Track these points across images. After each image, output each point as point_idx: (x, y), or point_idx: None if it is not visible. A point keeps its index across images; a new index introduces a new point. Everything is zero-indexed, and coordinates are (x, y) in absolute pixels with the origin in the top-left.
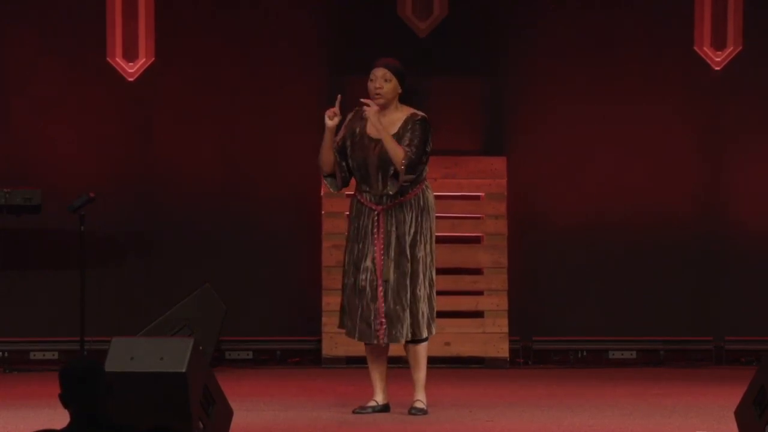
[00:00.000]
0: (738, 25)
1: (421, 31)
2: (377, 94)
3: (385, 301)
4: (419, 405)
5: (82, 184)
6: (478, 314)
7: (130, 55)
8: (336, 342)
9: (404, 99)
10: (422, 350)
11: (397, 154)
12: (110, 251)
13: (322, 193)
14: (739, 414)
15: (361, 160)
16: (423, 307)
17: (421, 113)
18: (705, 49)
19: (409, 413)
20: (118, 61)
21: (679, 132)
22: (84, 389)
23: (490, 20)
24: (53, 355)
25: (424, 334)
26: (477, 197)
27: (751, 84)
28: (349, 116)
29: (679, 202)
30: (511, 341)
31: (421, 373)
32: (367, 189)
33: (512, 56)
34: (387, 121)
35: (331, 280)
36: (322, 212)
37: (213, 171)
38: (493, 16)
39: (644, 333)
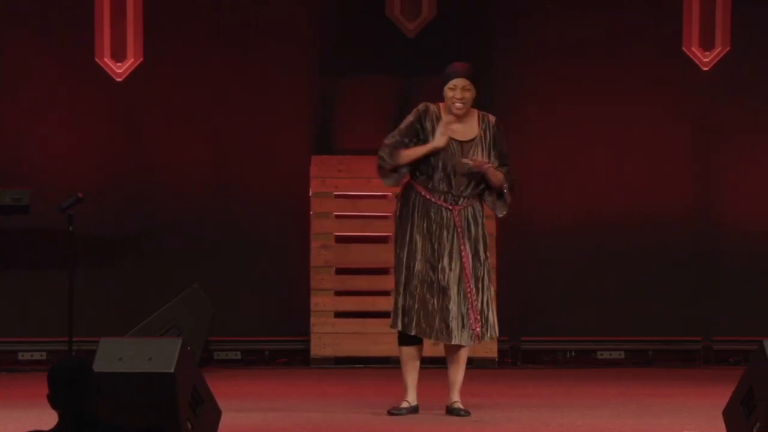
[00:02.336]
0: (726, 26)
1: (409, 31)
2: (459, 104)
3: (479, 300)
4: (459, 405)
5: (71, 185)
6: None
7: (119, 55)
8: (324, 342)
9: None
10: (464, 352)
11: (500, 180)
12: (99, 251)
13: (310, 194)
14: (728, 414)
15: (448, 163)
16: (491, 310)
17: (492, 117)
18: (693, 49)
19: (456, 414)
20: (107, 62)
21: (667, 132)
22: (72, 390)
23: (479, 21)
24: (41, 355)
25: (492, 337)
26: None
27: (739, 84)
28: (421, 112)
29: (669, 202)
30: (499, 341)
31: (459, 375)
32: (446, 189)
33: (501, 57)
34: (465, 127)
35: (320, 281)
36: (311, 213)
37: (202, 171)
38: (482, 16)
39: (633, 333)
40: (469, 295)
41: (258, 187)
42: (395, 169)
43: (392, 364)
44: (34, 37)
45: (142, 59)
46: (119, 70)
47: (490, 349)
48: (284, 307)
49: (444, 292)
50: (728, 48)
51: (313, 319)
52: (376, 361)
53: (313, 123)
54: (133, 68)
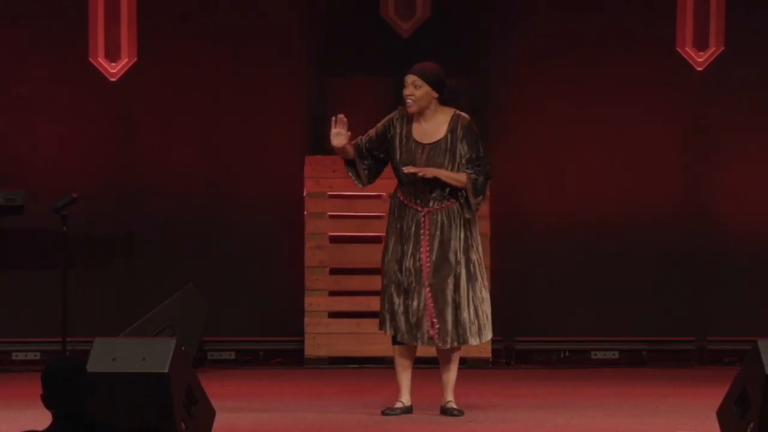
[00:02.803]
0: (720, 26)
1: (404, 31)
2: (409, 101)
3: (435, 303)
4: (453, 405)
5: (65, 185)
6: None
7: (113, 55)
8: (318, 342)
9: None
10: (455, 353)
11: (461, 182)
12: (93, 251)
13: (305, 194)
14: (722, 414)
15: (408, 164)
16: (473, 313)
17: (465, 115)
18: (687, 49)
19: (449, 414)
20: (101, 62)
21: (661, 132)
22: (66, 390)
23: (473, 21)
24: (35, 355)
25: (472, 342)
26: None
27: (733, 84)
28: (394, 115)
29: (662, 202)
30: (493, 341)
31: (452, 375)
32: (413, 191)
33: (495, 57)
34: (430, 126)
35: (314, 281)
36: (305, 213)
37: (196, 171)
38: (476, 17)
39: (627, 333)
40: (426, 297)
41: (252, 187)
42: (349, 162)
43: (386, 364)
44: (28, 36)
45: (136, 59)
46: (113, 70)
47: (484, 349)
48: (278, 307)
49: (407, 293)
50: (722, 48)
51: (307, 320)
52: (371, 361)
53: (307, 123)
54: (127, 68)
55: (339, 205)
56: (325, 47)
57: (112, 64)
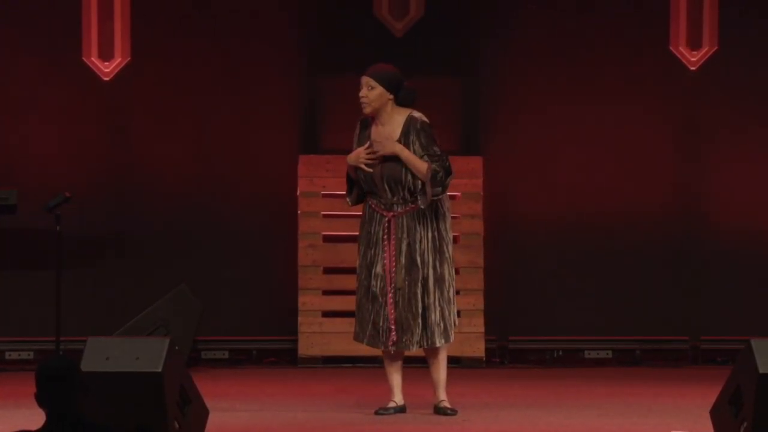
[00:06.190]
0: (713, 25)
1: (397, 31)
2: (363, 102)
3: (396, 308)
4: (446, 404)
5: (59, 184)
6: None
7: (106, 54)
8: (312, 342)
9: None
10: (441, 351)
11: (420, 170)
12: (86, 251)
13: (298, 193)
14: (715, 413)
15: (371, 170)
16: (439, 315)
17: (418, 115)
18: (681, 49)
19: (443, 414)
20: (94, 61)
21: (655, 132)
22: (60, 389)
23: (466, 20)
24: (29, 354)
25: (438, 344)
26: (453, 197)
27: (726, 84)
28: (356, 129)
29: (656, 201)
30: (487, 341)
31: (441, 374)
32: (378, 196)
33: (488, 56)
34: (386, 129)
35: (307, 280)
36: (299, 212)
37: (189, 170)
38: (469, 16)
39: (620, 333)
40: (389, 302)
41: (246, 186)
42: (351, 181)
43: (379, 363)
44: (21, 36)
45: (129, 58)
46: (106, 69)
47: (477, 348)
48: (272, 306)
49: (375, 298)
50: (716, 48)
51: (300, 319)
52: (364, 360)
53: (301, 122)
54: (120, 68)
55: (332, 204)
56: (318, 46)
57: (106, 63)
